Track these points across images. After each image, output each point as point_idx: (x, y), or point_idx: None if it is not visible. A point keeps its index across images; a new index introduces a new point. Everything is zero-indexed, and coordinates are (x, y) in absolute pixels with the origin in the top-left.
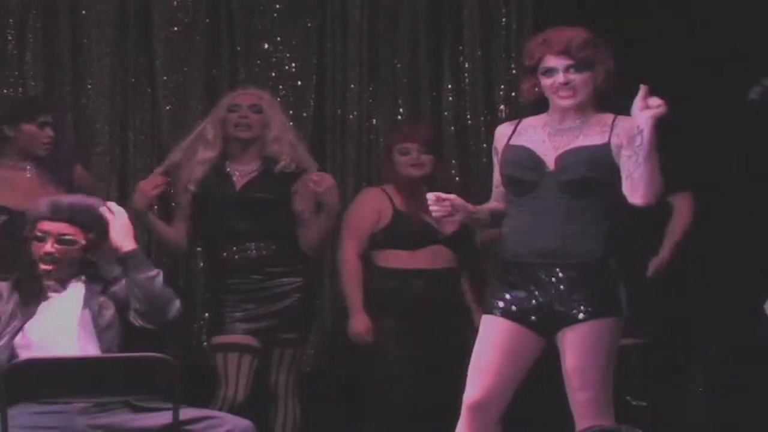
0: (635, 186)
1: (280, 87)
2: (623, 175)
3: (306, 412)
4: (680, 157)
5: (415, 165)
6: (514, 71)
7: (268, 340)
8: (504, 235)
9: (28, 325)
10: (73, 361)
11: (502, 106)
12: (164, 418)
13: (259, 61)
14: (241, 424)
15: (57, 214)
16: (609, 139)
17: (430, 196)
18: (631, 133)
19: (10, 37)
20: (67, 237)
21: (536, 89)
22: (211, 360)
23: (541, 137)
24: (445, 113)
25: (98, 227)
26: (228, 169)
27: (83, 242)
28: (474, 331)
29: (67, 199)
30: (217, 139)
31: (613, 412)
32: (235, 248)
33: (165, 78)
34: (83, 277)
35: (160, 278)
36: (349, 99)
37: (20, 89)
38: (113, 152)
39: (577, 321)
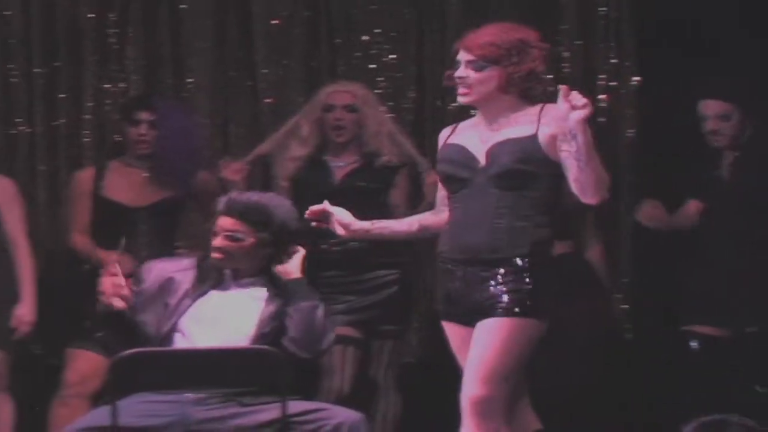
0: (584, 188)
1: (379, 79)
2: (569, 176)
3: (408, 404)
4: None
5: None
6: (614, 60)
7: (368, 331)
8: (443, 233)
9: (193, 309)
10: (181, 353)
11: (602, 96)
12: (275, 411)
13: (358, 53)
14: (351, 417)
15: (230, 210)
16: (537, 131)
17: (311, 208)
18: (562, 121)
19: (111, 32)
20: (233, 234)
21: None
22: None
23: (474, 135)
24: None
25: (274, 228)
26: (327, 161)
27: (252, 240)
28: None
29: (245, 196)
30: (312, 136)
31: (505, 416)
32: (334, 239)
33: (265, 71)
34: (266, 279)
35: (321, 310)
36: (449, 89)
37: (121, 84)
38: (214, 145)
39: (492, 314)
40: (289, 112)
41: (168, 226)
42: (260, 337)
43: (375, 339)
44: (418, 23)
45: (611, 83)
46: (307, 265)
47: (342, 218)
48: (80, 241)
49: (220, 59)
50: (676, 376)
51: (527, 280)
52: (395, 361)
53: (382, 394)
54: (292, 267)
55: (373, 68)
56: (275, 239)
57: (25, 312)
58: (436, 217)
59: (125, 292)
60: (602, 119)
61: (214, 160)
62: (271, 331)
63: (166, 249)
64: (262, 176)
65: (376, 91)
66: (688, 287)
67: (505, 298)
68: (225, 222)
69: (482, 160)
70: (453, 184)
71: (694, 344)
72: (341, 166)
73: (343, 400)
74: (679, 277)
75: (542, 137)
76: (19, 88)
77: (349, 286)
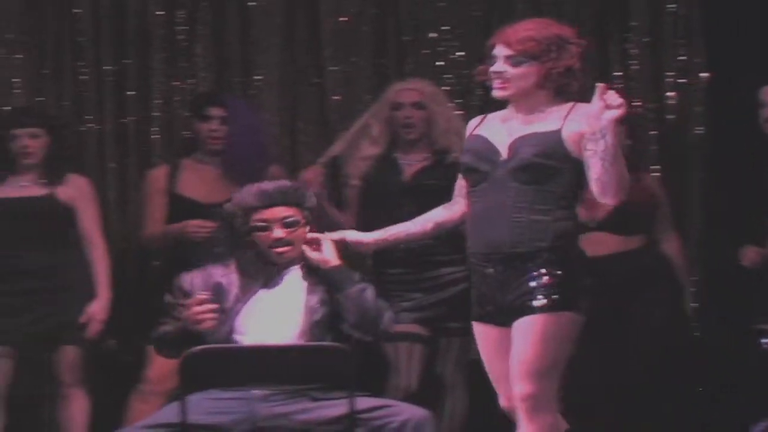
0: (605, 188)
1: (447, 76)
2: (591, 175)
3: (475, 401)
4: None
5: None
6: (683, 57)
7: (434, 329)
8: (467, 228)
9: (247, 309)
10: (250, 350)
11: (670, 93)
12: (342, 407)
13: (425, 51)
14: (418, 413)
15: (268, 200)
16: (561, 126)
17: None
18: (593, 119)
19: (180, 30)
20: (290, 219)
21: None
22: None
23: (501, 128)
24: None
25: (310, 204)
26: (397, 159)
27: (304, 220)
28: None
29: (271, 184)
30: (382, 135)
31: (555, 409)
32: None
33: (333, 69)
34: (305, 267)
35: (370, 291)
36: None
37: (190, 81)
38: (282, 143)
39: (527, 312)
40: (357, 109)
41: None
42: (312, 326)
43: (442, 336)
44: (485, 20)
45: (680, 80)
46: (374, 262)
47: (354, 237)
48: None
49: (288, 57)
50: (746, 375)
51: (554, 274)
52: (462, 359)
53: (449, 392)
54: (330, 255)
55: (440, 66)
56: (314, 213)
57: (97, 309)
58: (450, 211)
59: (214, 316)
60: (671, 116)
61: (282, 157)
62: (323, 318)
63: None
64: (332, 176)
65: (443, 88)
66: (758, 285)
67: (535, 294)
68: (273, 213)
69: (504, 153)
70: (473, 176)
71: (765, 342)
72: (411, 163)
73: (410, 398)
74: (748, 274)
75: (566, 134)
76: (89, 86)
77: (415, 284)
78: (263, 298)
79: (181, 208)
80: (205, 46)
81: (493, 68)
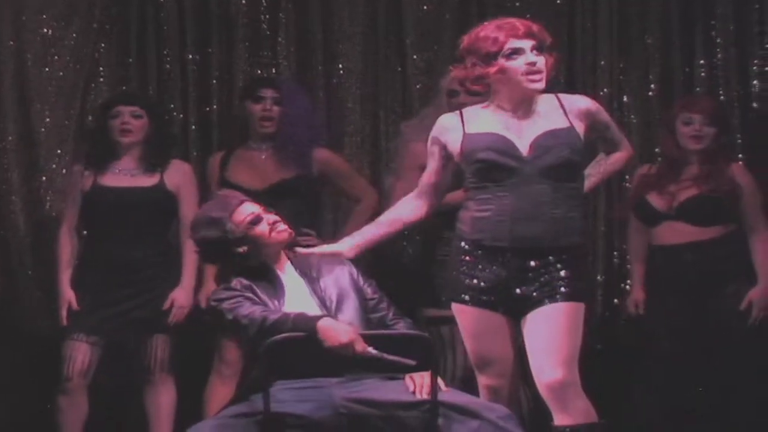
0: None
1: None
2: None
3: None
4: None
5: (696, 137)
6: None
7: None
8: (478, 220)
9: (288, 302)
10: None
11: (755, 81)
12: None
13: None
14: (498, 411)
15: (237, 200)
16: (571, 123)
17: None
18: (589, 113)
19: (263, 18)
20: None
21: (488, 78)
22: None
23: (499, 124)
24: (698, 89)
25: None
26: None
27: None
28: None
29: (222, 194)
30: None
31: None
32: None
33: (415, 57)
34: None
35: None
36: (600, 76)
37: (273, 70)
38: (364, 131)
39: (552, 301)
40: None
41: (289, 209)
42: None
43: None
44: (569, 9)
45: (766, 68)
46: None
47: (330, 249)
48: None
49: (370, 45)
50: None
51: (581, 266)
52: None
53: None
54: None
55: None
56: None
57: (180, 296)
58: (415, 208)
59: None
60: (756, 104)
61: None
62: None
63: None
64: None
65: None
66: None
67: (566, 284)
68: (249, 207)
69: (524, 150)
70: (498, 173)
71: None
72: None
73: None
74: None
75: (578, 130)
76: (173, 75)
77: None
78: (292, 289)
79: None
80: (288, 35)
81: (529, 60)
